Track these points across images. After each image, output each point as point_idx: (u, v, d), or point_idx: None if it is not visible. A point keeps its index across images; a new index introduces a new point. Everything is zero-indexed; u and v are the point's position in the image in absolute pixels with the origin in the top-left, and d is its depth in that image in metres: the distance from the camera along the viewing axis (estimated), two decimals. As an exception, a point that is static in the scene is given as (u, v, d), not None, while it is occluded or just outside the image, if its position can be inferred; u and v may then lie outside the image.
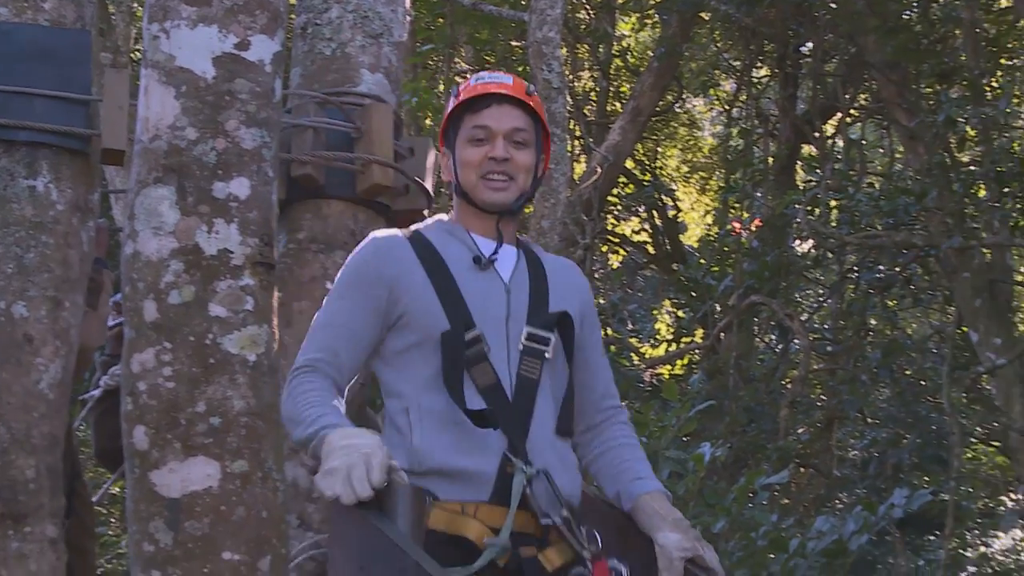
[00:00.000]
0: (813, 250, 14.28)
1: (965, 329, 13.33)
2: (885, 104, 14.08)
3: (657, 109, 16.49)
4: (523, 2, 13.65)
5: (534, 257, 3.61)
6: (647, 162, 20.47)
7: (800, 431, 14.47)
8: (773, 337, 17.08)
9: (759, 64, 17.17)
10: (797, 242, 14.87)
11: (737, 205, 15.80)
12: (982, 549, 20.25)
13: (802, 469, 15.76)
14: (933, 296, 15.76)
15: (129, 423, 2.54)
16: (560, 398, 3.43)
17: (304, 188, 4.06)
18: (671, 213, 19.93)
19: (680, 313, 18.10)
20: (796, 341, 14.35)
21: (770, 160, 16.39)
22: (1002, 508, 19.52)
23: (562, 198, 8.68)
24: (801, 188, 14.55)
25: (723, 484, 8.99)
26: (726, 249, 14.69)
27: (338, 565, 3.26)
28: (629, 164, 18.18)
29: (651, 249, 19.99)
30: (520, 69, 15.32)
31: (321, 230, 4.06)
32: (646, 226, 20.23)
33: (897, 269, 13.36)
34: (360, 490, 2.96)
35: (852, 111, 16.58)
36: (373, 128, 4.09)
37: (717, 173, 20.10)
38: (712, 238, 16.72)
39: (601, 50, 17.41)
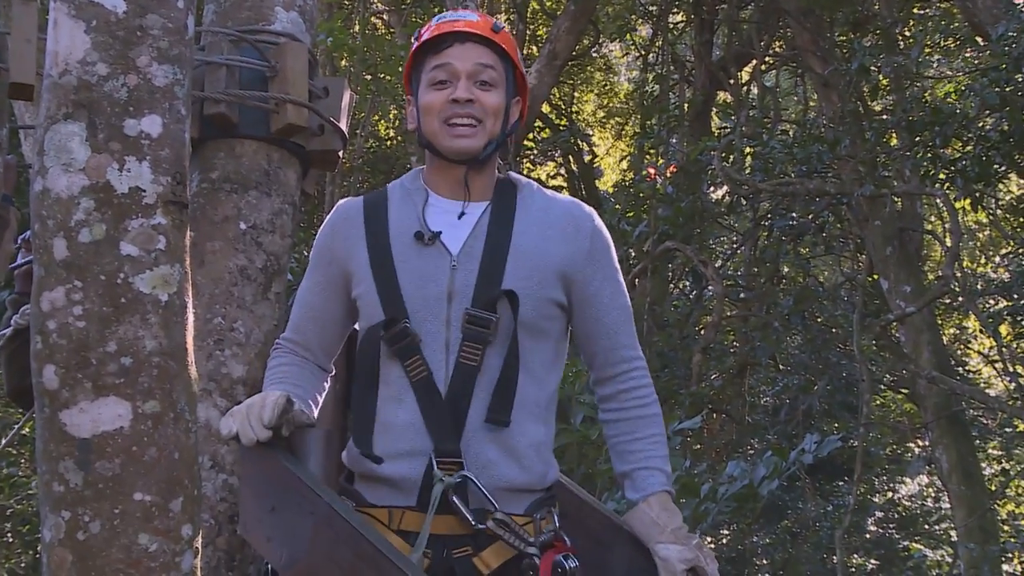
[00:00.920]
0: (727, 197, 14.40)
1: (876, 277, 13.51)
2: (799, 52, 14.18)
3: (574, 53, 16.49)
4: (440, -56, 13.57)
5: (505, 213, 3.34)
6: (563, 107, 20.52)
7: (713, 377, 14.62)
8: (687, 283, 17.20)
9: (675, 10, 17.21)
10: (711, 189, 14.99)
11: (652, 151, 15.87)
12: (889, 494, 20.59)
13: (714, 415, 15.95)
14: (845, 244, 15.97)
15: (39, 362, 2.50)
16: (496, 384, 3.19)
17: (217, 127, 4.02)
18: (587, 159, 20.00)
19: (595, 258, 18.16)
20: (710, 288, 14.46)
21: (685, 106, 16.47)
22: (909, 455, 19.84)
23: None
24: (716, 135, 14.64)
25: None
26: (641, 195, 14.76)
27: (249, 506, 3.25)
28: (545, 109, 18.20)
29: (567, 194, 20.03)
30: (436, 10, 15.22)
31: (234, 169, 4.02)
32: (562, 171, 20.30)
33: (810, 217, 13.49)
34: (257, 430, 2.98)
35: (767, 58, 16.70)
36: (287, 67, 4.05)
37: (633, 119, 20.16)
38: (627, 184, 16.77)
39: (518, -7, 17.38)
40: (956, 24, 13.52)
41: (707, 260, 14.10)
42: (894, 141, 12.45)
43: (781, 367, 16.21)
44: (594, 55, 20.24)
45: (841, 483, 18.03)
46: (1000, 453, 19.42)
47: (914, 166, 11.44)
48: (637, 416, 3.41)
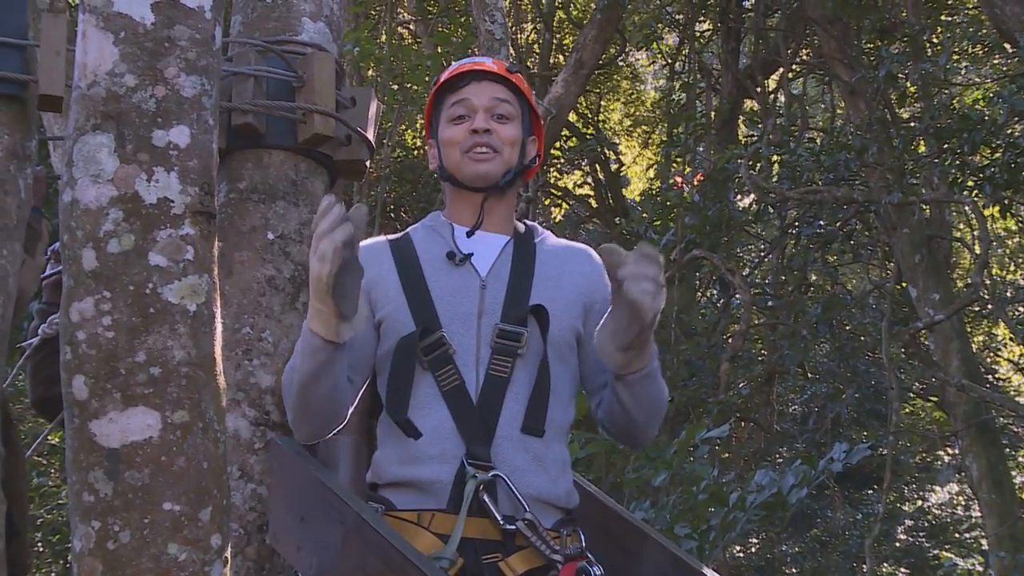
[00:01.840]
0: (754, 205, 14.36)
1: (904, 285, 13.46)
2: (826, 59, 14.13)
3: (600, 62, 16.47)
4: (466, -47, 13.58)
5: (527, 246, 3.47)
6: (590, 115, 20.50)
7: (741, 385, 14.60)
8: (714, 292, 17.18)
9: (702, 18, 17.20)
10: (738, 197, 14.95)
11: (679, 159, 15.86)
12: (919, 503, 20.52)
13: (742, 423, 15.93)
14: (873, 252, 15.91)
15: (68, 373, 2.51)
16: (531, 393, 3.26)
17: (245, 137, 4.03)
18: (614, 167, 19.98)
19: (622, 267, 18.12)
20: (737, 296, 14.43)
21: (712, 114, 16.44)
22: (939, 463, 19.78)
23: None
24: (743, 143, 14.62)
25: (664, 438, 9.06)
26: (668, 203, 14.72)
27: (279, 515, 3.26)
28: (572, 117, 18.19)
29: (594, 203, 20.04)
30: (463, 20, 15.27)
31: (262, 180, 4.03)
32: (589, 180, 20.28)
33: (837, 224, 13.45)
34: (334, 239, 2.94)
35: (794, 66, 16.66)
36: (315, 77, 4.06)
37: (659, 127, 20.14)
38: (654, 192, 16.75)
39: (543, 2, 17.37)
40: (984, 31, 13.46)
41: (735, 268, 14.07)
42: (922, 148, 12.40)
43: (809, 375, 16.17)
44: (621, 64, 20.21)
45: (870, 491, 17.98)
46: (1030, 461, 19.34)
47: (942, 173, 11.40)
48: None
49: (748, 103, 17.67)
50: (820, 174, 12.13)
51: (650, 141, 21.30)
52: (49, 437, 7.24)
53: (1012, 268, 20.71)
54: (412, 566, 2.72)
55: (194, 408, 2.54)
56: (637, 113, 21.75)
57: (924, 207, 13.20)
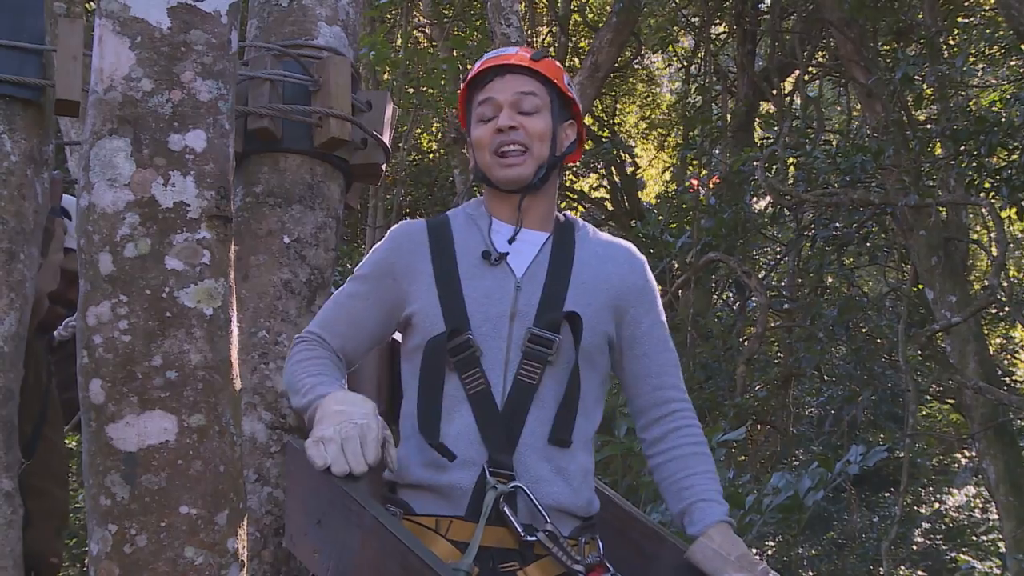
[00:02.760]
0: (770, 207, 14.32)
1: (921, 287, 13.43)
2: (842, 62, 14.10)
3: (616, 65, 16.47)
4: (482, -43, 13.59)
5: (566, 243, 3.41)
6: (606, 118, 20.49)
7: (757, 388, 14.58)
8: (730, 294, 17.18)
9: (717, 20, 17.18)
10: (754, 199, 14.92)
11: (695, 162, 15.85)
12: (936, 505, 20.48)
13: (759, 426, 15.91)
14: (889, 254, 15.87)
15: (85, 377, 2.51)
16: (560, 404, 3.23)
17: (261, 141, 4.04)
18: (629, 170, 19.99)
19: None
20: (753, 298, 14.43)
21: (728, 117, 16.43)
22: (956, 465, 19.73)
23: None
24: (759, 145, 14.58)
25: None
26: (684, 206, 14.73)
27: (295, 519, 3.26)
28: (588, 120, 18.17)
29: (609, 206, 20.04)
30: (478, 23, 15.28)
31: (278, 183, 4.04)
32: (604, 183, 20.27)
33: (854, 227, 13.42)
34: (355, 465, 2.90)
35: (810, 68, 16.63)
36: (331, 81, 4.06)
37: (675, 130, 20.13)
38: (670, 195, 16.75)
39: (559, 5, 17.37)
40: (1001, 32, 13.42)
41: (750, 271, 14.05)
42: (938, 150, 12.37)
43: (826, 378, 16.14)
44: (636, 67, 20.22)
45: (887, 494, 17.95)
46: (1048, 464, 19.27)
47: (959, 175, 11.38)
48: (689, 453, 3.38)
49: (764, 106, 17.67)
50: (836, 176, 12.11)
51: (666, 144, 21.29)
52: (65, 441, 7.26)
53: (1029, 270, 20.65)
54: (430, 570, 2.72)
55: (211, 412, 2.55)
56: (653, 116, 21.74)
57: (941, 209, 13.18)
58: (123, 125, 2.56)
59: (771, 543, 16.66)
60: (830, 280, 16.52)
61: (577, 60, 17.90)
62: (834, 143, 13.83)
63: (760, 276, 15.19)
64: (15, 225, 3.18)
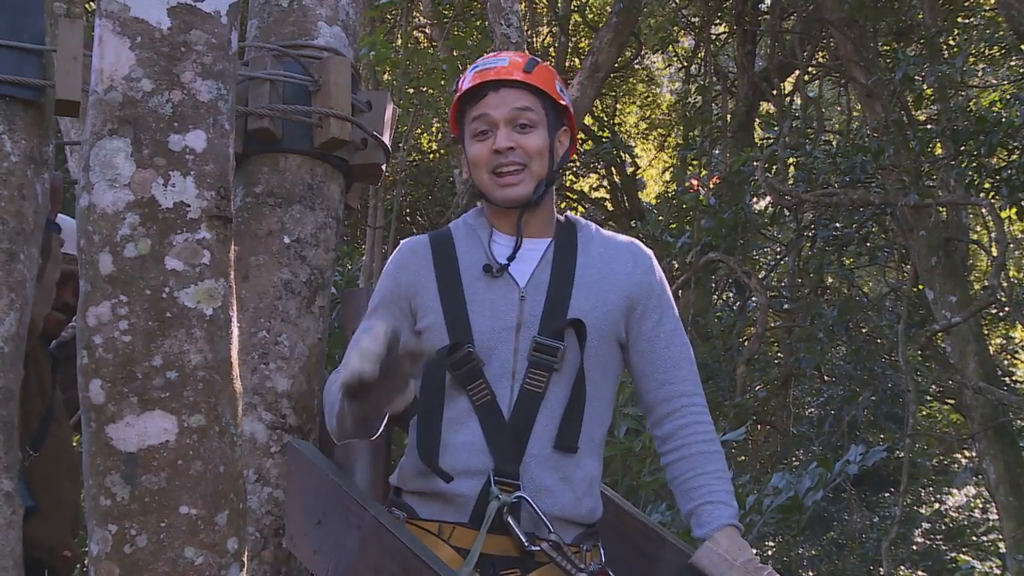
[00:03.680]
0: (770, 207, 14.33)
1: (921, 287, 13.42)
2: (843, 62, 14.10)
3: (616, 65, 16.45)
4: (482, -43, 13.58)
5: (568, 247, 3.40)
6: (606, 119, 20.49)
7: (757, 388, 14.57)
8: (730, 294, 17.18)
9: (718, 21, 17.18)
10: (754, 199, 14.93)
11: (695, 162, 15.84)
12: (936, 506, 20.47)
13: (759, 426, 15.91)
14: (889, 254, 15.87)
15: (85, 377, 2.51)
16: (565, 410, 3.23)
17: (261, 141, 4.04)
18: (630, 170, 19.97)
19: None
20: (753, 298, 14.43)
21: (728, 117, 16.42)
22: (956, 465, 19.72)
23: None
24: (759, 145, 14.58)
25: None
26: (684, 206, 14.72)
27: (295, 519, 3.26)
28: (588, 120, 18.18)
29: (610, 206, 20.04)
30: (478, 23, 15.28)
31: (278, 184, 4.04)
32: (605, 183, 20.26)
33: (854, 227, 13.43)
34: (365, 363, 2.76)
35: (810, 69, 16.63)
36: (331, 81, 4.06)
37: (675, 130, 20.12)
38: (670, 195, 16.73)
39: (559, 5, 17.37)
40: (1001, 32, 13.41)
41: (750, 271, 14.05)
42: (939, 150, 12.37)
43: (826, 378, 16.13)
44: (636, 67, 20.21)
45: (887, 494, 17.94)
46: (1048, 464, 19.26)
47: (959, 175, 11.38)
48: (699, 452, 3.37)
49: (764, 106, 17.66)
50: (836, 176, 12.12)
51: (666, 144, 21.28)
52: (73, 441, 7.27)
53: (1029, 270, 20.65)
54: (430, 570, 2.72)
55: (211, 412, 2.55)
56: (653, 116, 21.73)
57: (941, 209, 13.18)
58: (123, 125, 2.56)
59: (771, 543, 16.65)
60: (830, 280, 16.52)
61: (577, 60, 17.90)
62: (834, 143, 13.84)
63: (760, 276, 15.19)
64: (15, 225, 3.18)
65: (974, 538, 20.00)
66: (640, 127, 22.01)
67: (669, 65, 21.31)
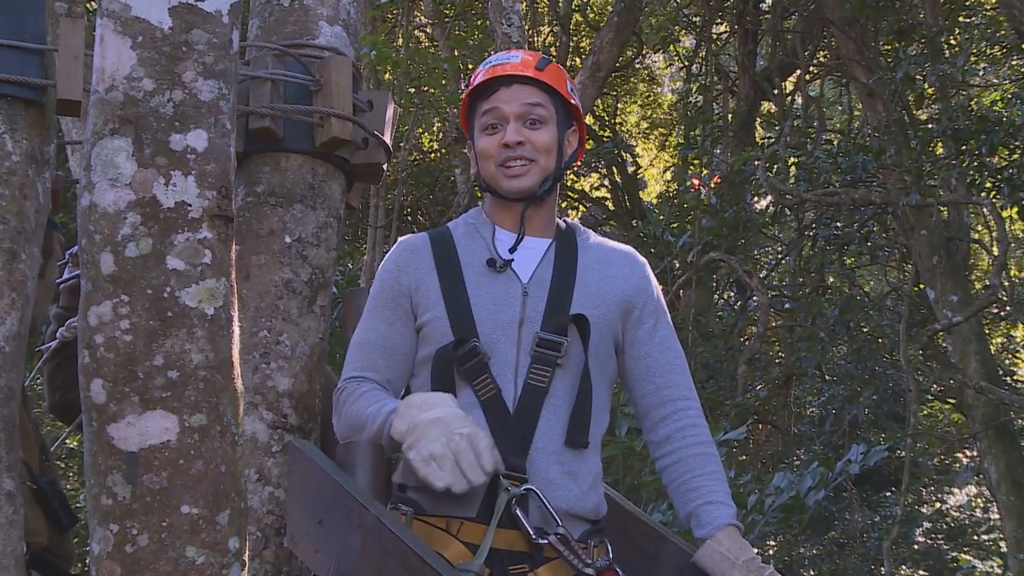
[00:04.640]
0: (771, 207, 14.32)
1: (922, 286, 13.42)
2: (844, 61, 14.09)
3: (617, 65, 16.45)
4: (483, -44, 13.59)
5: (569, 248, 3.45)
6: (607, 118, 20.49)
7: (758, 388, 14.55)
8: (731, 294, 17.18)
9: (719, 20, 17.17)
10: (756, 199, 14.92)
11: (696, 162, 15.82)
12: (937, 505, 20.46)
13: (760, 426, 15.90)
14: (890, 253, 15.87)
15: (86, 376, 2.51)
16: (573, 406, 3.27)
17: (262, 141, 4.04)
18: (631, 169, 19.97)
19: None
20: (754, 298, 14.43)
21: (729, 117, 16.42)
22: (957, 465, 19.71)
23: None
24: (760, 145, 14.58)
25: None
26: (685, 206, 14.72)
27: (296, 518, 3.26)
28: (589, 120, 18.17)
29: (611, 205, 20.04)
30: (480, 23, 15.27)
31: (279, 183, 4.04)
32: (606, 182, 20.26)
33: (855, 226, 13.43)
34: (474, 478, 2.92)
35: (811, 68, 16.62)
36: (332, 81, 4.06)
37: (676, 129, 20.11)
38: (671, 194, 16.74)
39: (560, 5, 17.36)
40: (1003, 32, 13.41)
41: (751, 270, 14.04)
42: (940, 150, 12.37)
43: (827, 377, 16.13)
44: (637, 66, 20.21)
45: (888, 494, 17.93)
46: (1049, 463, 19.25)
47: (960, 175, 11.38)
48: (695, 454, 3.40)
49: (765, 105, 17.67)
50: (837, 176, 12.11)
51: (667, 143, 21.28)
52: (67, 441, 7.26)
53: (1031, 270, 20.64)
54: (431, 569, 2.72)
55: (212, 411, 2.55)
56: (654, 116, 21.74)
57: (942, 209, 13.17)
58: (124, 125, 2.56)
59: (772, 543, 16.63)
60: (831, 280, 16.51)
61: (578, 60, 17.89)
62: (835, 142, 13.83)
63: (761, 275, 15.18)
64: (16, 225, 3.17)
65: (975, 538, 19.99)
66: (641, 126, 22.02)
67: (670, 64, 21.32)
